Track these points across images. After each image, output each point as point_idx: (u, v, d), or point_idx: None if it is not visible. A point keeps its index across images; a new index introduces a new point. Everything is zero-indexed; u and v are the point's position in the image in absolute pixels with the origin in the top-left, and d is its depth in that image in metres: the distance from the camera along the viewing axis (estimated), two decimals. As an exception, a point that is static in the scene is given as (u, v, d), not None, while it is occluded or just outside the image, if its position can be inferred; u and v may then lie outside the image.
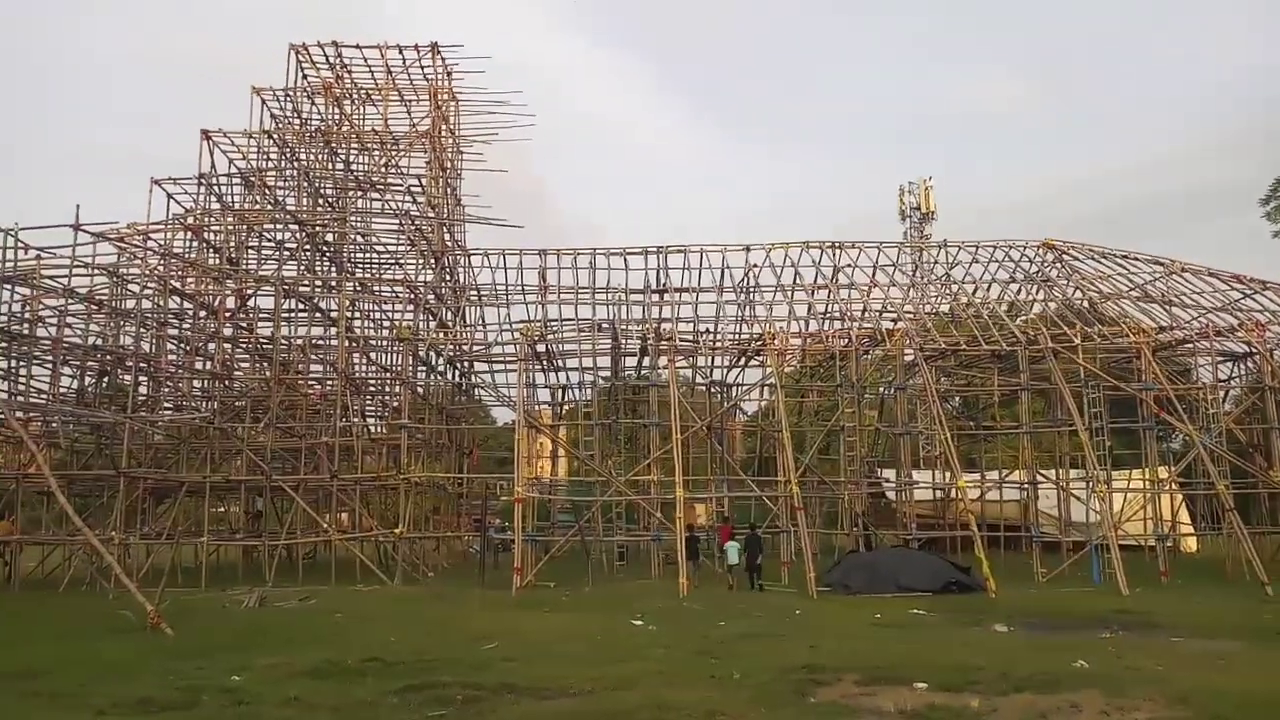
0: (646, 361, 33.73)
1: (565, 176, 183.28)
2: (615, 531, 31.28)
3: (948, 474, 30.68)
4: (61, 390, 28.14)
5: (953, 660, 12.25)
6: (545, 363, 34.56)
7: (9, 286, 25.68)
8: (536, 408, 33.98)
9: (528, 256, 36.54)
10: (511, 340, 32.30)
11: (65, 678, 11.22)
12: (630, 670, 11.67)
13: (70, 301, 27.46)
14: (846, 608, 19.90)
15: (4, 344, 25.59)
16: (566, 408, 38.38)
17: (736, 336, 33.76)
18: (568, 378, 36.51)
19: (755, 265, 35.02)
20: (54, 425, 28.24)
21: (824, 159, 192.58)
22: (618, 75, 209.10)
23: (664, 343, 29.50)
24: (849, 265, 35.12)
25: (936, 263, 37.23)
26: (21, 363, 26.83)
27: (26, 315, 26.90)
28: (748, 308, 34.38)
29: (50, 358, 27.26)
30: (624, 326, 32.77)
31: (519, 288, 36.69)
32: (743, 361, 34.51)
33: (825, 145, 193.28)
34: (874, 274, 35.19)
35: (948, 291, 35.55)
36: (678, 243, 35.40)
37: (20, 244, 25.44)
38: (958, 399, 39.71)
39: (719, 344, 33.29)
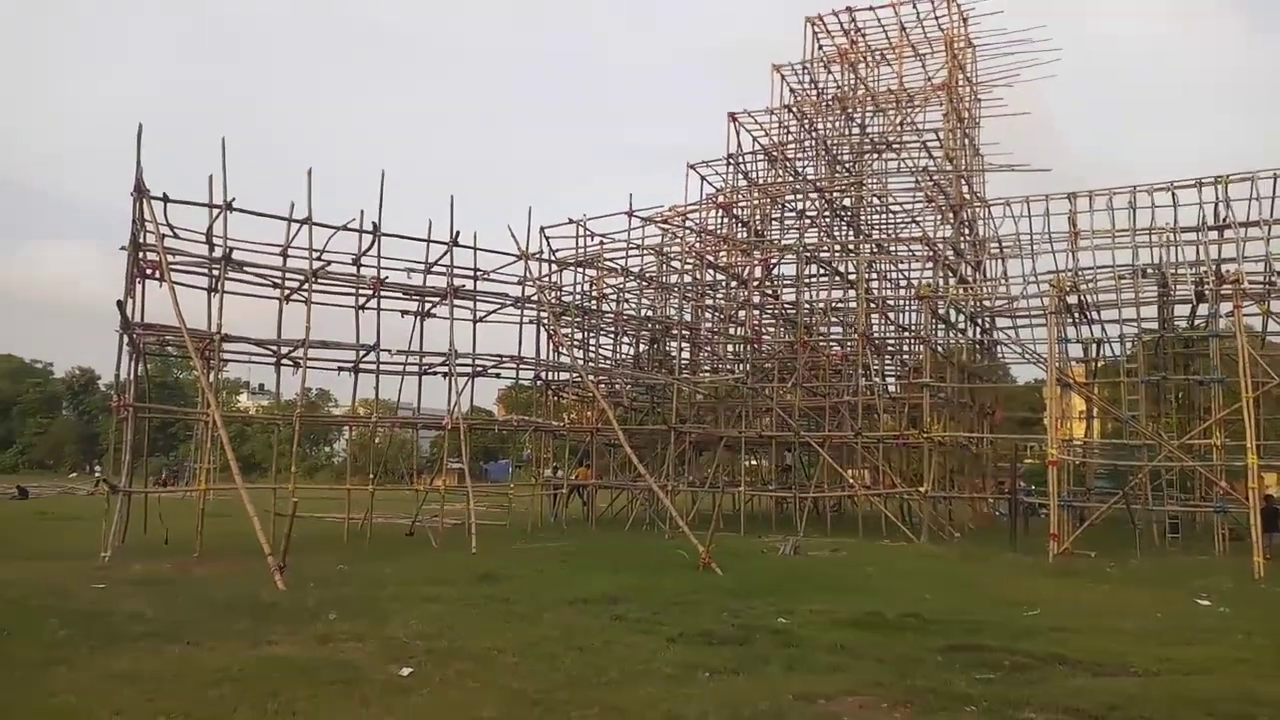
0: (1203, 309, 29.59)
1: (1076, 112, 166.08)
2: (1165, 501, 28.05)
3: None
4: (621, 356, 32.55)
5: None
6: (1077, 315, 31.86)
7: (582, 269, 30.15)
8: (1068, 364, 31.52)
9: (1054, 202, 34.01)
10: (1039, 293, 30.30)
11: (639, 605, 12.56)
12: (1202, 654, 10.36)
13: (626, 279, 31.46)
14: None
15: (579, 318, 30.06)
16: (1100, 364, 35.10)
17: (1326, 275, 28.17)
18: (1104, 330, 33.32)
19: (1351, 187, 28.88)
20: (617, 386, 32.68)
21: None
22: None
23: (1227, 286, 25.63)
24: None
25: None
26: (591, 334, 31.48)
27: (594, 293, 31.37)
28: (1340, 240, 28.46)
29: (612, 328, 31.58)
30: (1174, 271, 29.02)
31: (1044, 236, 34.33)
32: (1335, 305, 28.73)
33: None
34: None
35: None
36: (1239, 171, 30.43)
37: (589, 232, 29.80)
38: None
39: (1302, 286, 28.01)
